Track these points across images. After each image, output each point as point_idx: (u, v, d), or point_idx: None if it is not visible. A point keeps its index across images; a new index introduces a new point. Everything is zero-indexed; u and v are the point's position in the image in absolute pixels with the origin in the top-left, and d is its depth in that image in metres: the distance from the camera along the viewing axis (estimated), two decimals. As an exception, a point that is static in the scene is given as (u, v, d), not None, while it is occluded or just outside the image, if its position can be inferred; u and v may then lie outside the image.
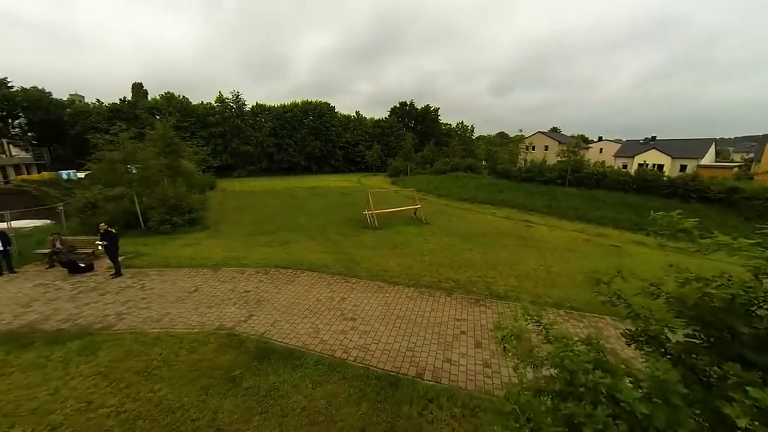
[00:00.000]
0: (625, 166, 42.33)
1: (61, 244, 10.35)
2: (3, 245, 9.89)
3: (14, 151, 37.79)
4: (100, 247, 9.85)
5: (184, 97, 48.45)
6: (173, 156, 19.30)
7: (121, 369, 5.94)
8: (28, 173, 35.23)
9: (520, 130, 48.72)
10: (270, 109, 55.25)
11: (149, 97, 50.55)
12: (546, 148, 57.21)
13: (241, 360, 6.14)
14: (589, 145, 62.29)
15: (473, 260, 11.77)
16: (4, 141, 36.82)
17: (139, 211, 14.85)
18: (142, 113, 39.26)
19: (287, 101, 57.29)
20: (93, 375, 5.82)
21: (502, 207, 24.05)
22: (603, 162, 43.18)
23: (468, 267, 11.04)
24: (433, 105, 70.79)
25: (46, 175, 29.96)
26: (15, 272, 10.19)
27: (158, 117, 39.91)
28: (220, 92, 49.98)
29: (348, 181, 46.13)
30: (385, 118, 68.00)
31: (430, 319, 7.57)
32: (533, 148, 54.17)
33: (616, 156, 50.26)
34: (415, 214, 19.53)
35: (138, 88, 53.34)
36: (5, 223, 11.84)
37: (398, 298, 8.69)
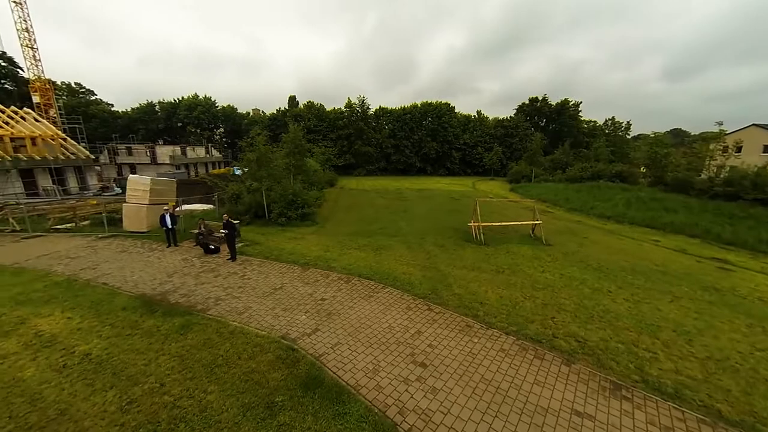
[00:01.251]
0: None
1: (204, 227, 12.68)
2: (171, 224, 12.82)
3: (214, 152, 52.26)
4: (223, 234, 11.49)
5: (320, 104, 56.21)
6: (299, 156, 21.90)
7: (195, 357, 6.26)
8: (218, 168, 47.91)
9: (719, 123, 32.57)
10: (391, 111, 57.88)
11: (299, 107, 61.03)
12: (766, 148, 38.73)
13: (288, 384, 5.55)
14: None
15: (615, 311, 8.19)
16: (209, 145, 51.43)
17: (265, 204, 17.24)
18: (289, 120, 47.47)
19: (408, 104, 58.78)
20: (176, 356, 6.33)
21: (672, 233, 17.19)
22: None
23: (605, 321, 7.67)
24: (573, 99, 59.34)
25: (225, 170, 39.67)
26: (177, 246, 13.10)
27: (301, 123, 47.36)
28: (348, 98, 55.62)
29: (461, 185, 43.53)
30: (510, 117, 61.27)
31: (530, 398, 5.24)
32: (738, 149, 37.43)
33: None
34: (533, 231, 15.94)
35: (292, 100, 65.04)
36: (179, 207, 15.53)
37: (489, 348, 6.57)
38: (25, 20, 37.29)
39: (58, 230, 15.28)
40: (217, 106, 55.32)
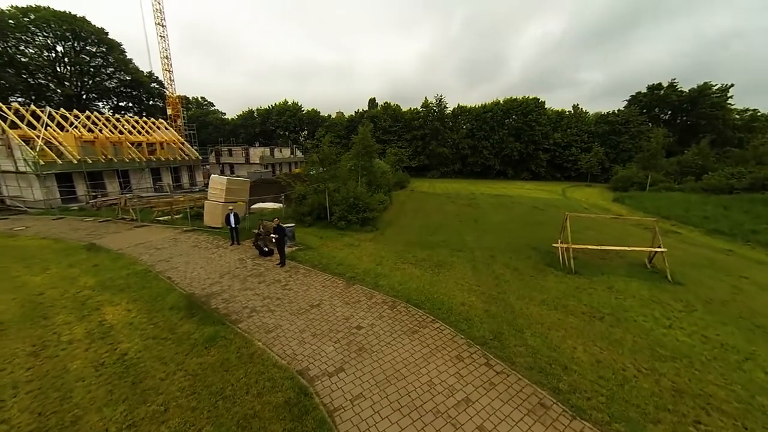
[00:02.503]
0: None
1: (262, 228, 12.84)
2: (235, 223, 13.37)
3: (297, 153, 56.90)
4: (272, 239, 11.28)
5: (396, 105, 55.83)
6: (366, 157, 21.36)
7: (208, 382, 5.68)
8: (300, 167, 51.83)
9: None
10: (470, 110, 54.14)
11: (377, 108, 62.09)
12: None
13: (287, 448, 4.42)
14: None
15: (823, 427, 4.81)
16: (294, 146, 56.19)
17: (328, 205, 17.03)
18: (366, 121, 48.31)
19: (489, 101, 54.07)
20: (191, 375, 5.87)
21: None
22: None
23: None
24: (716, 83, 45.83)
25: (300, 169, 42.42)
26: (239, 244, 13.63)
27: (376, 123, 47.72)
28: (426, 98, 53.86)
29: (547, 192, 37.73)
30: (619, 110, 50.93)
31: None
32: None
33: None
34: (650, 260, 11.90)
35: (372, 102, 66.54)
36: (252, 206, 16.34)
37: (576, 453, 4.31)
38: (165, 49, 46.31)
39: (158, 221, 17.76)
40: (303, 110, 60.32)
